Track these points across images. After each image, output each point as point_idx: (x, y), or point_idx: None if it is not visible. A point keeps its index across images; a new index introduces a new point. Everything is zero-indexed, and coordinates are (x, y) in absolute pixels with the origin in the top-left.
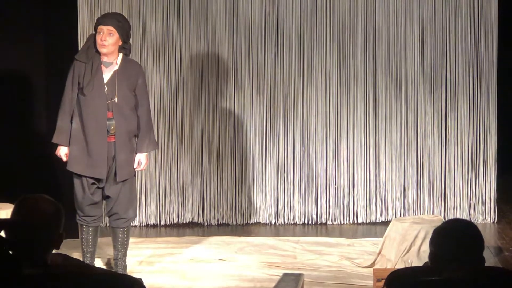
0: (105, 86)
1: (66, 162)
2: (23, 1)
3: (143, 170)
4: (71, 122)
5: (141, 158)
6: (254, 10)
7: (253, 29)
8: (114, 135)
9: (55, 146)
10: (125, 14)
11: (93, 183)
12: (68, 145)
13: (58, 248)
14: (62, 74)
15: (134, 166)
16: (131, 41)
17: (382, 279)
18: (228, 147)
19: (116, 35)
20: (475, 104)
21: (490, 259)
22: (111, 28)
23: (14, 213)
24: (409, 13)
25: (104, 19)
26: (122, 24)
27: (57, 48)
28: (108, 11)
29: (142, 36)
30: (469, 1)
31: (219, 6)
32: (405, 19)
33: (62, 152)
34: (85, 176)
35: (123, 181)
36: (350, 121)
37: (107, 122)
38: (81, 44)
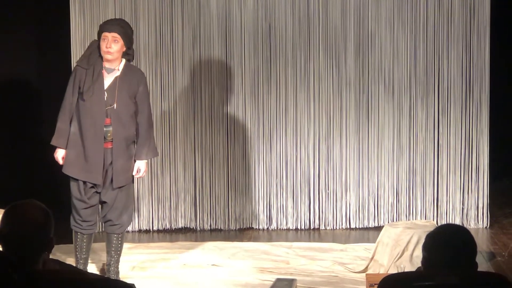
0: (105, 92)
1: (62, 165)
2: (15, 8)
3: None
4: (70, 126)
5: (140, 165)
6: (247, 15)
7: (246, 34)
8: (111, 141)
9: (53, 150)
10: None
11: (91, 187)
12: (66, 148)
13: (50, 252)
14: (56, 79)
15: (133, 173)
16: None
17: (375, 284)
18: (221, 152)
19: (121, 42)
20: (468, 109)
21: (482, 264)
22: (115, 34)
23: (3, 222)
24: (401, 18)
25: (108, 26)
26: (125, 30)
27: (50, 54)
28: (101, 17)
29: (135, 41)
30: (461, 6)
31: (212, 11)
32: (397, 24)
33: (59, 154)
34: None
35: (120, 188)
36: (342, 126)
37: (105, 129)
38: (73, 49)
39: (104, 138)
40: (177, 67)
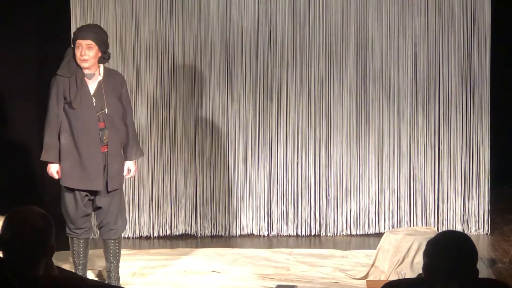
0: (93, 98)
1: (59, 179)
2: (15, 12)
3: (136, 182)
4: (59, 138)
5: (130, 166)
6: (248, 21)
7: (247, 40)
8: (107, 144)
9: (44, 161)
10: (118, 25)
11: (86, 195)
12: (59, 161)
13: (50, 258)
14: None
15: (124, 174)
16: (125, 50)
17: None
18: (221, 158)
19: (95, 48)
20: (468, 116)
21: (483, 270)
22: (89, 42)
23: (4, 227)
24: (402, 24)
25: (81, 33)
26: (100, 36)
27: (50, 59)
28: (102, 23)
29: (135, 47)
30: (462, 13)
31: (212, 17)
32: (398, 30)
33: (54, 169)
34: (78, 189)
35: (114, 191)
36: (343, 133)
37: (100, 132)
38: None
39: (101, 141)
40: (177, 73)
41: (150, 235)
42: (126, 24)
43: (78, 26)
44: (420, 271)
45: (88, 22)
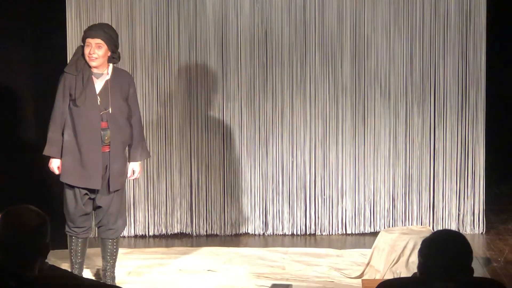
0: (98, 97)
1: (59, 174)
2: (12, 12)
3: (132, 180)
4: (63, 134)
5: (134, 167)
6: (243, 20)
7: (242, 40)
8: (109, 145)
9: (46, 156)
10: (114, 25)
11: (86, 194)
12: (61, 157)
13: (45, 257)
14: (51, 84)
15: (128, 175)
16: (119, 49)
17: None
18: (217, 157)
19: (104, 47)
20: (464, 115)
21: (478, 269)
22: (99, 40)
23: None
24: (397, 24)
25: (91, 32)
26: (109, 35)
27: (47, 60)
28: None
29: (131, 47)
30: (457, 12)
31: (208, 17)
32: (393, 29)
33: (55, 164)
34: (78, 187)
35: (115, 192)
36: (339, 132)
37: (102, 132)
38: (70, 54)
39: (102, 141)
40: (173, 72)
41: (146, 234)
42: (122, 23)
43: (73, 26)
44: (415, 270)
45: (84, 23)
